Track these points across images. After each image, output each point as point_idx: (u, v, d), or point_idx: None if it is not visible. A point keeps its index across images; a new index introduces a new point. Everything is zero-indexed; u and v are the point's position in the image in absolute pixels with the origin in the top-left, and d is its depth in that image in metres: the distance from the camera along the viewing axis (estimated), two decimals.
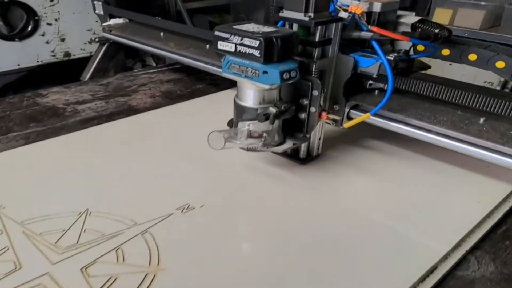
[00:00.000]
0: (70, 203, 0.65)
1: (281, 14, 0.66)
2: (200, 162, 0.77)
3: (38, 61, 1.74)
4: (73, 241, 0.57)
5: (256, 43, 0.57)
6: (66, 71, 1.72)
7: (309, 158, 0.79)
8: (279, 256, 0.57)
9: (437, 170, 0.78)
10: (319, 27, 0.65)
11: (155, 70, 1.35)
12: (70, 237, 0.58)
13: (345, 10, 0.66)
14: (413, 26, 0.76)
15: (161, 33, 1.19)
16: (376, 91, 0.78)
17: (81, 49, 1.86)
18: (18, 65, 1.67)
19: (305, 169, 0.77)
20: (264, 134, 0.67)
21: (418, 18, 0.75)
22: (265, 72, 0.59)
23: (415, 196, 0.71)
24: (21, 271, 0.52)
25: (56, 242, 0.57)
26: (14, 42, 1.63)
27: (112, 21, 1.29)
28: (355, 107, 0.76)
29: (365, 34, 0.66)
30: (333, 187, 0.73)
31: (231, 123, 0.70)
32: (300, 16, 0.64)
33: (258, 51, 0.57)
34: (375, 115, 0.72)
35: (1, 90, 1.77)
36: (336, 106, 0.74)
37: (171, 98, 1.13)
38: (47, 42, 1.75)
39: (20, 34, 1.64)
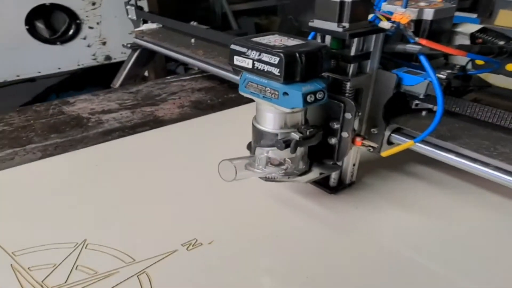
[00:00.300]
0: (68, 232, 0.59)
1: (310, 24, 0.56)
2: (216, 187, 0.68)
3: (78, 65, 1.74)
4: (61, 280, 0.51)
5: (275, 59, 0.48)
6: (107, 74, 1.71)
7: (340, 187, 0.69)
8: None
9: (492, 205, 0.66)
10: (355, 39, 0.54)
11: (188, 77, 1.29)
12: (60, 275, 0.52)
13: (389, 19, 0.55)
14: (473, 37, 0.63)
15: (192, 40, 1.12)
16: (424, 112, 0.66)
17: (121, 53, 1.84)
18: (59, 68, 1.68)
19: (335, 200, 0.67)
20: (286, 162, 0.57)
21: (478, 26, 0.63)
22: (285, 93, 0.50)
23: (465, 236, 0.60)
24: None
25: (43, 281, 0.51)
26: (55, 45, 1.63)
27: (144, 27, 1.24)
28: (397, 131, 0.64)
29: (411, 48, 0.55)
30: (367, 223, 0.62)
31: (250, 147, 0.62)
32: (332, 26, 0.54)
33: (278, 69, 0.48)
34: (421, 142, 0.60)
35: (43, 93, 1.79)
36: (374, 130, 0.63)
37: (200, 109, 1.06)
38: (88, 46, 1.75)
39: (62, 38, 1.65)
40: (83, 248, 0.56)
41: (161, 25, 1.26)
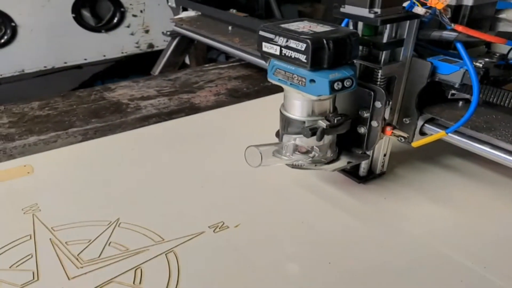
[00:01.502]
0: (103, 210, 0.62)
1: (342, 10, 0.55)
2: (245, 173, 0.69)
3: (122, 52, 1.80)
4: (95, 255, 0.54)
5: (302, 46, 0.48)
6: (151, 62, 1.76)
7: (370, 177, 0.68)
8: None
9: None
10: (387, 26, 0.53)
11: (225, 65, 1.30)
12: (94, 250, 0.55)
13: (424, 4, 0.53)
14: None
15: (229, 27, 1.13)
16: (460, 102, 0.64)
17: (164, 41, 1.89)
18: (104, 56, 1.74)
19: (364, 190, 0.66)
20: (314, 150, 0.57)
21: None
22: (312, 80, 0.50)
23: (502, 233, 0.57)
24: (37, 283, 0.50)
25: (79, 254, 0.54)
26: (100, 33, 1.70)
27: (184, 14, 1.26)
28: (430, 121, 0.62)
29: (447, 35, 0.53)
30: (395, 215, 0.61)
31: (278, 134, 0.62)
32: (363, 12, 0.53)
33: (305, 56, 0.48)
34: (455, 132, 0.58)
35: (89, 80, 1.87)
36: (407, 120, 0.62)
37: (235, 97, 1.07)
38: (132, 34, 1.80)
39: (107, 26, 1.71)
40: (116, 226, 0.59)
41: (200, 13, 1.28)
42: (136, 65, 1.89)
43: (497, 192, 0.66)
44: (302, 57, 0.48)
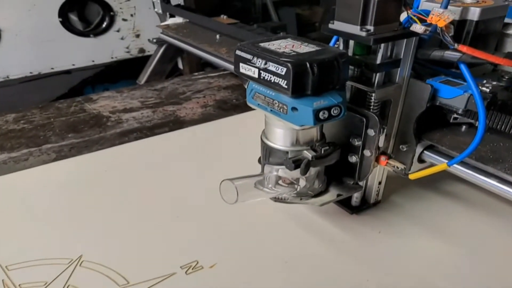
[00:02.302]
0: (65, 246, 0.56)
1: (330, 26, 0.49)
2: (224, 203, 0.63)
3: (112, 57, 1.73)
4: None
5: (282, 69, 0.41)
6: (142, 67, 1.70)
7: (364, 207, 0.61)
8: None
9: None
10: (382, 45, 0.47)
11: (216, 74, 1.23)
12: None
13: (423, 21, 0.47)
14: None
15: (217, 36, 1.07)
16: (463, 127, 0.57)
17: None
18: (93, 61, 1.68)
19: (357, 222, 0.60)
20: (299, 182, 0.51)
21: None
22: (294, 108, 0.43)
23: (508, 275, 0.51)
24: None
25: None
26: (89, 38, 1.63)
27: (170, 21, 1.20)
28: (430, 148, 0.56)
29: (450, 55, 0.46)
30: (391, 251, 0.55)
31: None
32: (354, 29, 0.46)
33: (285, 81, 0.42)
34: (459, 163, 0.52)
35: (79, 85, 1.80)
36: (404, 147, 0.55)
37: (223, 109, 1.01)
38: (122, 38, 1.74)
39: (95, 30, 1.65)
40: (77, 266, 0.53)
41: (187, 20, 1.22)
42: (127, 71, 1.83)
43: (504, 224, 0.59)
44: (283, 82, 0.42)
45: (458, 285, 0.50)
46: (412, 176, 0.52)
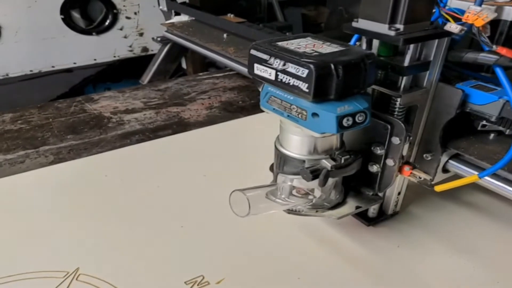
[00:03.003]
0: (61, 258, 0.52)
1: (354, 25, 0.45)
2: (231, 213, 0.59)
3: (115, 56, 1.70)
4: None
5: (303, 71, 0.37)
6: (145, 66, 1.67)
7: (381, 218, 0.57)
8: None
9: None
10: (411, 45, 0.43)
11: (221, 74, 1.19)
12: None
13: (457, 20, 0.43)
14: None
15: (224, 35, 1.03)
16: (491, 135, 0.53)
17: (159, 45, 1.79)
18: (95, 59, 1.64)
19: (374, 235, 0.56)
20: (315, 193, 0.47)
21: None
22: (315, 114, 0.39)
23: None
24: None
25: None
26: (91, 36, 1.59)
27: (176, 19, 1.16)
28: (455, 157, 0.52)
29: (485, 58, 0.42)
30: (410, 267, 0.51)
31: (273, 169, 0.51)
32: (382, 28, 0.42)
33: (306, 84, 0.38)
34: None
35: (80, 84, 1.77)
36: (428, 156, 0.51)
37: (229, 111, 0.97)
38: (125, 37, 1.70)
39: (98, 28, 1.61)
40: (73, 280, 0.49)
41: (193, 18, 1.18)
42: (130, 70, 1.79)
43: None
44: (303, 86, 0.38)
45: None
46: (438, 188, 0.48)
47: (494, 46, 0.40)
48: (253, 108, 0.98)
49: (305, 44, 0.41)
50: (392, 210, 0.58)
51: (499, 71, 0.41)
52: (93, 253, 0.53)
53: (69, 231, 0.57)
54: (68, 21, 1.51)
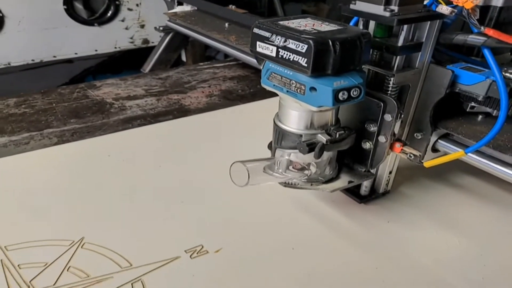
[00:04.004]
0: (67, 227, 0.54)
1: (352, 7, 0.47)
2: (231, 188, 0.61)
3: (116, 47, 1.71)
4: (50, 282, 0.46)
5: (303, 47, 0.40)
6: (145, 58, 1.68)
7: (372, 196, 0.60)
8: None
9: None
10: (404, 26, 0.45)
11: (221, 64, 1.22)
12: (49, 276, 0.47)
13: (449, 3, 0.45)
14: None
15: (226, 24, 1.05)
16: (479, 116, 0.56)
17: (160, 36, 1.81)
18: (96, 50, 1.66)
19: (365, 211, 0.59)
20: (310, 168, 0.49)
21: None
22: (313, 88, 0.42)
23: None
24: None
25: (31, 281, 0.46)
26: (93, 27, 1.61)
27: (178, 9, 1.18)
28: (444, 137, 0.55)
29: (474, 39, 0.45)
30: (399, 241, 0.54)
31: (271, 147, 0.54)
32: (378, 9, 0.44)
33: (305, 59, 0.40)
34: (474, 152, 0.51)
35: (80, 75, 1.78)
36: (418, 135, 0.54)
37: (229, 99, 0.99)
38: (127, 28, 1.72)
39: (100, 19, 1.63)
40: (78, 247, 0.51)
41: (195, 8, 1.20)
42: (130, 61, 1.81)
43: None
44: (302, 61, 0.40)
45: (464, 277, 0.49)
46: (427, 164, 0.51)
47: (482, 28, 0.43)
48: (253, 96, 1.01)
49: (305, 23, 0.44)
50: (383, 189, 0.60)
51: (486, 52, 0.44)
52: (97, 225, 0.55)
53: (74, 204, 0.59)
54: (71, 12, 1.53)
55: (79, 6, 1.56)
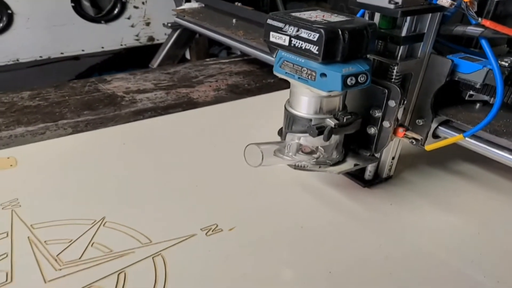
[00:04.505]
0: (88, 208, 0.57)
1: (358, 0, 0.51)
2: (242, 173, 0.65)
3: (121, 45, 1.74)
4: (76, 256, 0.49)
5: (314, 36, 0.43)
6: (150, 55, 1.71)
7: (376, 181, 0.63)
8: None
9: None
10: (408, 18, 0.49)
11: (227, 60, 1.25)
12: (75, 250, 0.50)
13: None
14: None
15: (233, 20, 1.09)
16: (477, 105, 0.59)
17: (164, 34, 1.84)
18: (102, 47, 1.69)
19: (369, 194, 0.62)
20: (319, 150, 0.53)
21: None
22: (323, 74, 0.45)
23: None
24: (9, 286, 0.45)
25: (58, 255, 0.49)
26: (99, 24, 1.64)
27: (186, 5, 1.22)
28: (445, 124, 0.58)
29: (472, 30, 0.48)
30: (401, 221, 0.57)
31: (281, 132, 0.57)
32: (383, 2, 0.48)
33: (317, 47, 0.43)
34: (472, 136, 0.54)
35: (86, 72, 1.81)
36: (420, 121, 0.57)
37: (236, 93, 1.03)
38: (132, 26, 1.75)
39: (107, 17, 1.65)
40: (100, 226, 0.54)
41: (203, 5, 1.23)
42: (135, 58, 1.84)
43: (510, 201, 0.62)
44: (314, 48, 0.44)
45: (460, 251, 0.52)
46: (428, 147, 0.54)
47: (479, 19, 0.46)
48: (259, 90, 1.04)
49: (315, 15, 0.47)
50: (386, 174, 0.64)
51: (483, 42, 0.47)
52: (117, 206, 0.58)
53: (94, 187, 0.62)
54: (78, 9, 1.56)
55: (86, 3, 1.59)
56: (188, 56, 1.81)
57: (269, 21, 0.48)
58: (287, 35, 0.46)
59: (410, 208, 0.59)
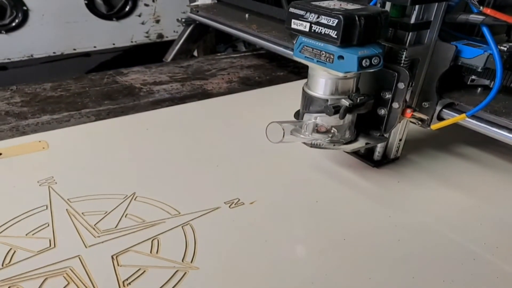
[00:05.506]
0: (119, 185, 0.62)
1: None
2: (260, 154, 0.70)
3: (132, 41, 1.79)
4: (112, 225, 0.54)
5: (334, 21, 0.48)
6: (159, 52, 1.75)
7: (384, 161, 0.68)
8: (332, 267, 0.48)
9: None
10: (416, 6, 0.53)
11: (238, 55, 1.30)
12: (110, 221, 0.55)
13: None
14: None
15: (246, 15, 1.14)
16: (479, 89, 0.64)
17: (174, 31, 1.89)
18: (113, 44, 1.74)
19: (378, 174, 0.67)
20: (333, 130, 0.57)
21: None
22: (340, 57, 0.50)
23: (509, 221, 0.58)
24: (54, 250, 0.50)
25: (95, 224, 0.54)
26: (111, 21, 1.69)
27: (200, 1, 1.26)
28: (448, 106, 0.63)
29: (474, 18, 0.53)
30: (407, 197, 0.62)
31: (298, 115, 0.62)
32: None
33: (335, 32, 0.48)
34: (473, 117, 0.59)
35: (97, 68, 1.86)
36: (426, 103, 0.62)
37: (247, 84, 1.07)
38: (143, 23, 1.79)
39: (118, 14, 1.70)
40: (132, 200, 0.59)
41: (216, 0, 1.28)
42: (145, 55, 1.88)
43: (508, 180, 0.66)
44: (333, 33, 0.48)
45: (462, 222, 0.57)
46: (433, 127, 0.59)
47: (481, 8, 0.51)
48: (269, 83, 1.09)
49: (333, 4, 0.52)
50: (394, 155, 0.68)
51: (484, 29, 0.52)
52: (146, 183, 0.63)
53: (124, 167, 0.67)
54: (91, 6, 1.61)
55: (99, 1, 1.63)
56: (195, 53, 1.86)
57: (291, 10, 0.53)
58: (307, 21, 0.51)
59: (415, 185, 0.64)
